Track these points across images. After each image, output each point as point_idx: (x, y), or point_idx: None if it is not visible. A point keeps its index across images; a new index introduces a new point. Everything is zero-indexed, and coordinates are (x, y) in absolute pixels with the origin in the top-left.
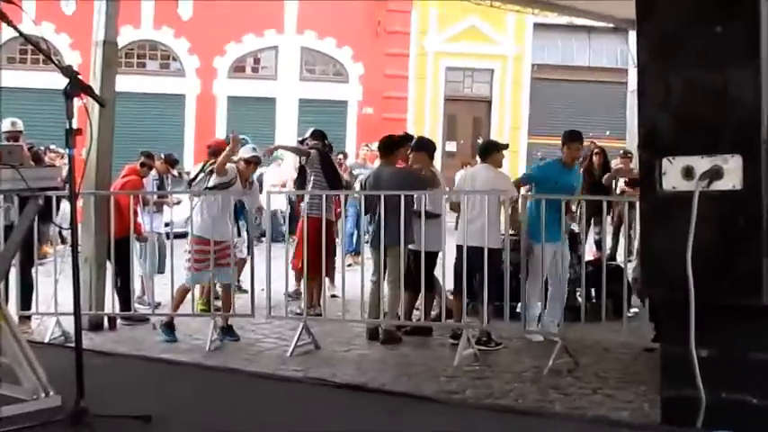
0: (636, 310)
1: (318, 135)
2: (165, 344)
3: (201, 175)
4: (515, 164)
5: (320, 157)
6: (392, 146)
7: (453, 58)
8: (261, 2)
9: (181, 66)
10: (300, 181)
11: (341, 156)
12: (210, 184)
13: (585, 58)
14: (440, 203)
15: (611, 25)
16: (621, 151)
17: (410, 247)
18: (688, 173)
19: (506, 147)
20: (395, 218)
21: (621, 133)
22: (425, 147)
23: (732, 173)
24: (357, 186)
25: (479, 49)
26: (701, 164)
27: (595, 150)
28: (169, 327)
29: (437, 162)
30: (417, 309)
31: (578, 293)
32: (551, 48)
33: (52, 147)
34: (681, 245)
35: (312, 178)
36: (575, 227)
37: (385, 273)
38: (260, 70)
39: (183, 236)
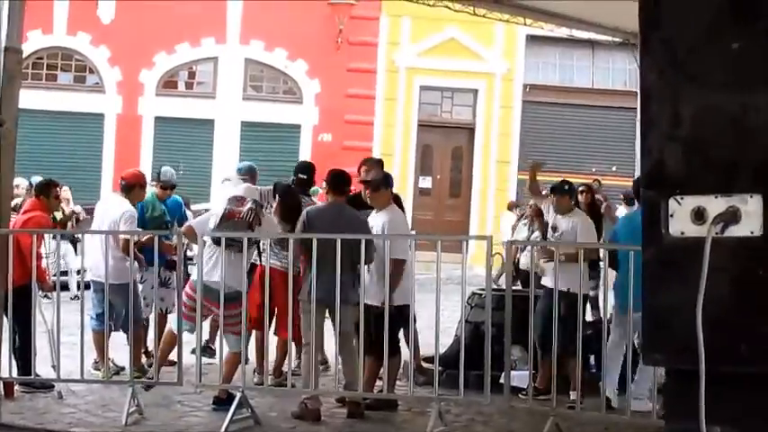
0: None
1: (295, 170)
2: (73, 417)
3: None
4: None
5: (280, 195)
6: (345, 181)
7: (429, 75)
8: (198, 4)
9: (99, 79)
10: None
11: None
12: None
13: (588, 79)
14: (405, 249)
15: (617, 40)
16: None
17: (370, 302)
18: (699, 215)
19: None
20: (345, 268)
21: (630, 169)
22: (390, 183)
23: (751, 216)
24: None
25: (461, 65)
26: (715, 205)
27: (581, 188)
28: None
29: (408, 201)
30: (380, 378)
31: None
32: (547, 65)
33: None
34: (690, 301)
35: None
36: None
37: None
38: (195, 86)
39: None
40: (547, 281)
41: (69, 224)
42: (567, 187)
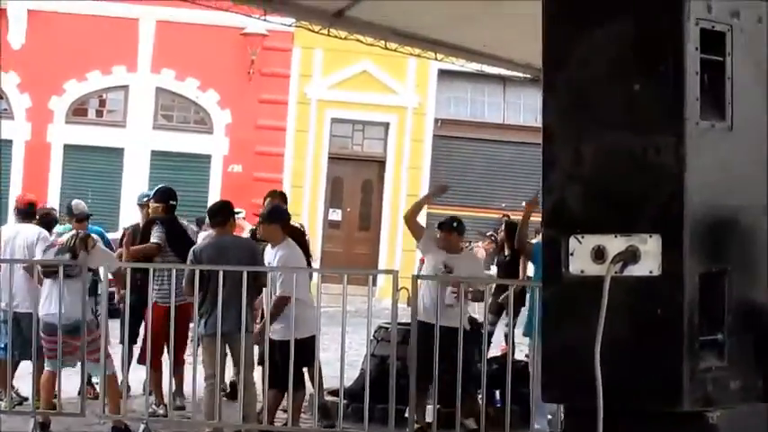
0: (550, 416)
1: (161, 197)
2: None
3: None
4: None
5: (163, 225)
6: (222, 212)
7: (341, 108)
8: (110, 32)
9: (8, 105)
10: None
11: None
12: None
13: (499, 114)
14: (307, 286)
15: (528, 76)
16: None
17: (274, 337)
18: (599, 254)
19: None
20: (239, 299)
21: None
22: (279, 217)
23: (650, 256)
24: None
25: (373, 98)
26: (615, 244)
27: (501, 227)
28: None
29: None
30: (284, 410)
31: (479, 396)
32: (459, 100)
33: None
34: (588, 339)
35: (159, 258)
36: (477, 315)
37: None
38: (105, 114)
39: None
40: (423, 316)
41: None
42: (455, 224)
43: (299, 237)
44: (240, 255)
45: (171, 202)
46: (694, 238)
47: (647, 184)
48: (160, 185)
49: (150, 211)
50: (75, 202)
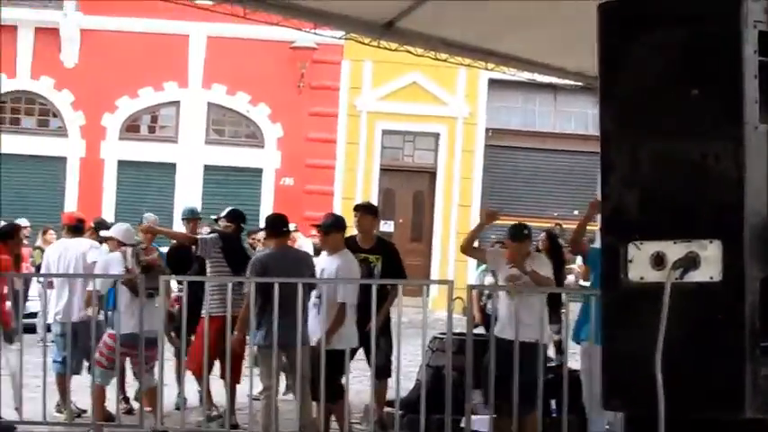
0: (608, 426)
1: (233, 217)
2: None
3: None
4: None
5: (222, 239)
6: (282, 223)
7: (391, 119)
8: (161, 48)
9: (62, 123)
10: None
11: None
12: None
13: (550, 123)
14: (353, 294)
15: (579, 84)
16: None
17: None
18: (658, 261)
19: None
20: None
21: None
22: (343, 227)
23: (710, 262)
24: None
25: (423, 109)
26: (674, 250)
27: (542, 235)
28: None
29: None
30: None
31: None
32: (510, 110)
33: None
34: (649, 346)
35: (209, 269)
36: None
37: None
38: (158, 130)
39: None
40: (504, 332)
41: None
42: (526, 231)
43: (394, 253)
44: (302, 267)
45: (242, 225)
46: (754, 244)
47: (706, 189)
48: (231, 207)
49: (222, 228)
50: (146, 215)
